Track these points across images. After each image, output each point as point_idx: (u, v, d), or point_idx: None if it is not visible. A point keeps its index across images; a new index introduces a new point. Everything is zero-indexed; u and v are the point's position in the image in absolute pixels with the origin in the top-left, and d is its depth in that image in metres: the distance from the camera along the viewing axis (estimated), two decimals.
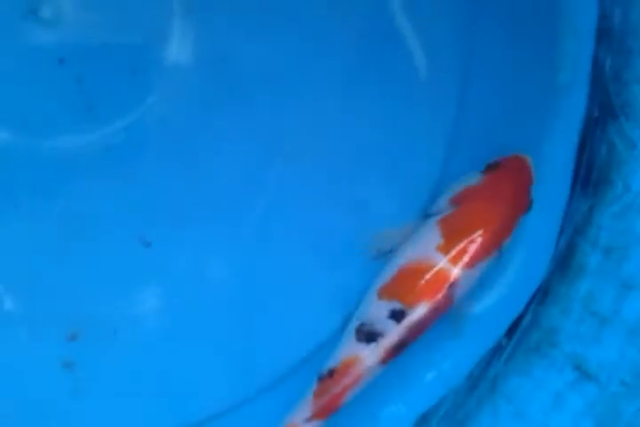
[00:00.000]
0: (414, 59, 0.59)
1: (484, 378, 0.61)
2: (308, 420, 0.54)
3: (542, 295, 0.59)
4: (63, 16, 0.53)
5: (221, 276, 0.57)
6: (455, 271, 0.54)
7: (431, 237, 0.55)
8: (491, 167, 0.57)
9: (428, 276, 0.54)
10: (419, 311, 0.54)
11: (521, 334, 0.60)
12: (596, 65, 0.58)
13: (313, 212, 0.58)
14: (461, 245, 0.54)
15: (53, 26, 0.53)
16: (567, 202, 0.59)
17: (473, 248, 0.54)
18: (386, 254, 0.58)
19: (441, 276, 0.54)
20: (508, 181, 0.56)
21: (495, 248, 0.55)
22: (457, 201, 0.57)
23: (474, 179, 0.57)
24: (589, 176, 0.59)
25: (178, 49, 0.55)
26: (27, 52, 0.54)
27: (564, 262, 0.59)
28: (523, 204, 0.56)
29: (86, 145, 0.55)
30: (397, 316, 0.54)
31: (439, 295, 0.54)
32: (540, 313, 0.59)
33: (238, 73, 0.56)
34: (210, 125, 0.56)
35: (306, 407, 0.55)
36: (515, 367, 0.59)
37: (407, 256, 0.56)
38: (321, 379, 0.55)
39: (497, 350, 0.60)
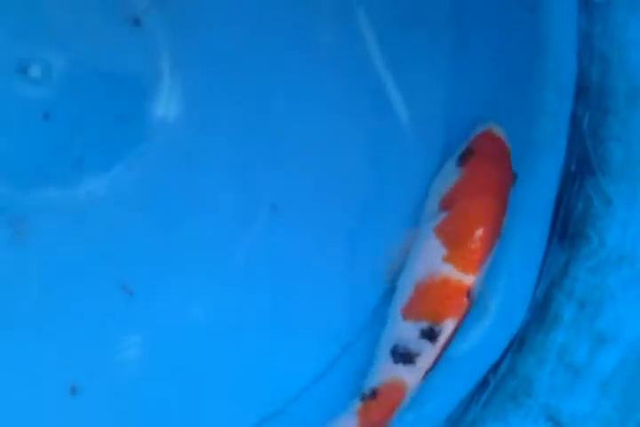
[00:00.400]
0: (397, 112, 0.60)
1: (462, 422, 0.62)
2: None
3: (519, 343, 0.61)
4: (52, 74, 0.54)
5: (204, 323, 0.58)
6: (469, 278, 0.55)
7: (433, 248, 0.56)
8: (465, 157, 0.57)
9: (445, 291, 0.55)
10: (448, 327, 0.55)
11: (498, 380, 0.61)
12: (575, 121, 0.60)
13: (295, 260, 0.59)
14: (467, 251, 0.55)
15: (42, 83, 0.54)
16: (545, 253, 0.61)
17: (478, 249, 0.55)
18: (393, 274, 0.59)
19: (458, 287, 0.55)
20: (487, 165, 0.56)
21: (497, 237, 0.55)
22: (446, 204, 0.57)
23: (453, 175, 0.57)
24: (566, 229, 0.60)
25: (165, 104, 0.56)
26: (14, 108, 0.55)
27: (540, 312, 0.60)
28: (509, 180, 0.56)
29: (71, 197, 0.56)
30: (428, 335, 0.55)
31: (463, 308, 0.55)
32: (516, 361, 0.60)
33: (224, 128, 0.57)
34: (195, 178, 0.57)
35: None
36: (492, 413, 0.61)
37: (417, 273, 0.56)
38: (364, 399, 0.56)
39: (475, 395, 0.62)
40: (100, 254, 0.57)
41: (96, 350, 0.57)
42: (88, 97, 0.56)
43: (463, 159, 0.57)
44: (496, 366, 0.60)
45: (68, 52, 0.55)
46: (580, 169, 0.59)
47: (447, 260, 0.55)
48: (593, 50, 0.58)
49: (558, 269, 0.60)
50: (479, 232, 0.55)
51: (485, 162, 0.57)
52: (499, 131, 0.57)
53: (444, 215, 0.56)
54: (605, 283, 0.56)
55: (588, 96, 0.58)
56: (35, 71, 0.54)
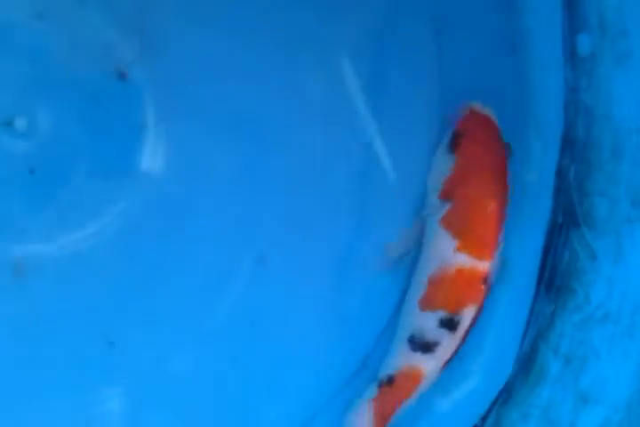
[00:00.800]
0: (381, 158, 0.60)
1: None
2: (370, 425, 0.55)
3: (506, 396, 0.60)
4: (37, 128, 0.55)
5: (185, 376, 0.58)
6: (485, 264, 0.54)
7: (443, 240, 0.55)
8: (455, 142, 0.56)
9: (462, 280, 0.54)
10: (468, 315, 0.54)
11: None
12: (561, 173, 0.59)
13: (278, 312, 0.59)
14: (478, 239, 0.54)
15: (27, 137, 0.55)
16: (532, 303, 0.60)
17: (489, 235, 0.54)
18: (397, 262, 0.59)
19: (475, 275, 0.54)
20: (479, 146, 0.56)
21: (504, 217, 0.55)
22: (447, 195, 0.56)
23: (447, 163, 0.56)
24: (553, 281, 0.60)
25: (149, 158, 0.56)
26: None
27: (526, 366, 0.60)
28: (503, 155, 0.56)
29: (56, 250, 0.56)
30: (448, 324, 0.54)
31: (481, 295, 0.55)
32: (502, 415, 0.60)
33: (209, 181, 0.57)
34: (178, 231, 0.57)
35: (366, 414, 0.56)
36: None
37: (431, 267, 0.56)
38: (381, 386, 0.56)
39: None
40: (82, 306, 0.57)
41: (77, 401, 0.57)
42: (73, 151, 0.56)
43: (453, 144, 0.56)
44: (483, 419, 0.60)
45: (54, 106, 0.55)
46: (567, 221, 0.59)
47: (460, 250, 0.55)
48: (579, 103, 0.58)
49: (545, 321, 0.59)
50: (486, 217, 0.55)
51: (476, 142, 0.56)
52: (482, 108, 0.56)
53: (447, 206, 0.56)
54: (590, 340, 0.56)
55: (574, 149, 0.58)
56: (20, 124, 0.54)
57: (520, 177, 0.60)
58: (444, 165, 0.57)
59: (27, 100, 0.55)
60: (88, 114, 0.56)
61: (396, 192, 0.61)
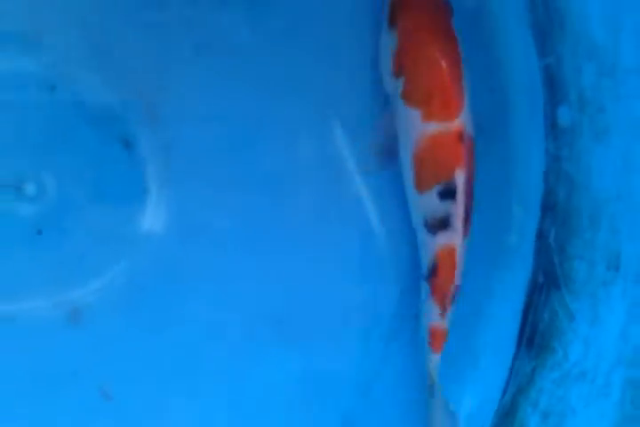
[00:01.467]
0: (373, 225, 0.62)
1: None
2: (442, 314, 0.56)
3: None
4: (45, 192, 0.57)
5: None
6: (454, 124, 0.53)
7: (409, 115, 0.55)
8: (393, 16, 0.56)
9: (439, 146, 0.54)
10: (460, 177, 0.54)
11: None
12: (542, 235, 0.63)
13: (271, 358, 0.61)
14: (437, 101, 0.54)
15: (35, 201, 0.57)
16: (513, 359, 0.63)
17: (447, 95, 0.53)
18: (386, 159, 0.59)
19: (448, 136, 0.54)
20: (416, 13, 0.55)
21: (461, 73, 0.54)
22: (399, 71, 0.55)
23: (392, 40, 0.56)
24: (533, 338, 0.63)
25: (150, 220, 0.59)
26: (6, 224, 0.57)
27: (506, 420, 0.62)
28: (444, 16, 0.55)
29: (57, 306, 0.58)
30: (447, 194, 0.54)
31: (463, 153, 0.54)
32: None
33: (209, 242, 0.59)
34: (180, 286, 0.60)
35: (433, 307, 0.56)
36: None
37: (409, 145, 0.55)
38: (428, 279, 0.56)
39: None
40: (80, 359, 0.59)
41: None
42: (79, 214, 0.58)
43: (392, 18, 0.56)
44: None
45: (61, 171, 0.58)
46: (547, 281, 0.62)
47: (426, 118, 0.54)
48: (560, 172, 0.61)
49: (525, 377, 0.62)
50: (440, 79, 0.54)
51: (411, 9, 0.55)
52: None
53: (401, 81, 0.55)
54: (568, 396, 0.58)
55: (555, 214, 0.61)
56: (30, 189, 0.57)
57: (502, 239, 0.63)
58: (389, 42, 0.56)
59: (36, 167, 0.58)
60: (93, 179, 0.58)
61: (387, 258, 0.63)
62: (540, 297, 0.63)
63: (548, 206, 0.62)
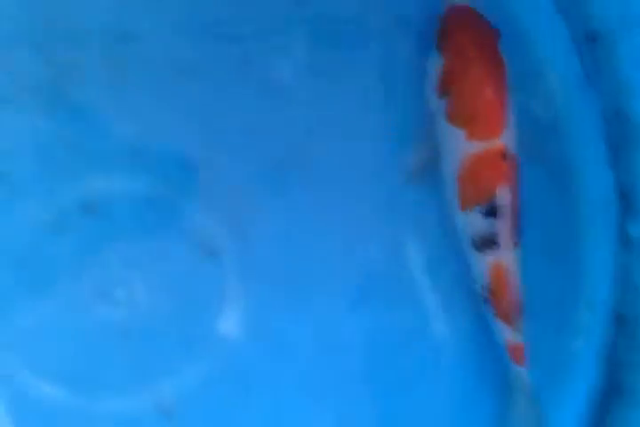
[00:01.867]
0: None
1: None
2: (513, 330, 0.56)
3: None
4: (134, 298, 0.59)
5: None
6: (496, 142, 0.54)
7: (453, 136, 0.55)
8: (441, 37, 0.57)
9: (482, 165, 0.54)
10: (503, 196, 0.54)
11: None
12: (608, 344, 0.63)
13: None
14: (481, 120, 0.54)
15: (125, 306, 0.59)
16: None
17: (492, 115, 0.54)
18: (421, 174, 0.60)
19: (491, 155, 0.54)
20: (463, 38, 0.56)
21: (506, 95, 0.54)
22: (444, 92, 0.56)
23: (439, 60, 0.57)
24: None
25: (227, 325, 0.60)
26: (96, 327, 0.59)
27: None
28: (492, 38, 0.56)
29: (133, 400, 0.60)
30: (491, 212, 0.54)
31: (507, 171, 0.54)
32: None
33: (283, 348, 0.61)
34: (254, 394, 0.61)
35: (502, 325, 0.56)
36: None
37: (452, 166, 0.56)
38: (487, 301, 0.56)
39: None
40: None
41: None
42: (161, 315, 0.60)
43: (440, 40, 0.57)
44: None
45: (149, 278, 0.60)
46: (610, 391, 0.63)
47: (469, 138, 0.54)
48: (629, 282, 0.62)
49: None
50: (485, 100, 0.54)
51: (459, 34, 0.56)
52: (460, 0, 0.57)
53: (446, 100, 0.56)
54: None
55: (624, 325, 0.62)
56: (120, 294, 0.59)
57: (567, 343, 0.64)
58: (436, 62, 0.57)
59: (126, 274, 0.60)
60: (177, 284, 0.60)
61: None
62: (600, 406, 0.63)
63: (617, 317, 0.63)
